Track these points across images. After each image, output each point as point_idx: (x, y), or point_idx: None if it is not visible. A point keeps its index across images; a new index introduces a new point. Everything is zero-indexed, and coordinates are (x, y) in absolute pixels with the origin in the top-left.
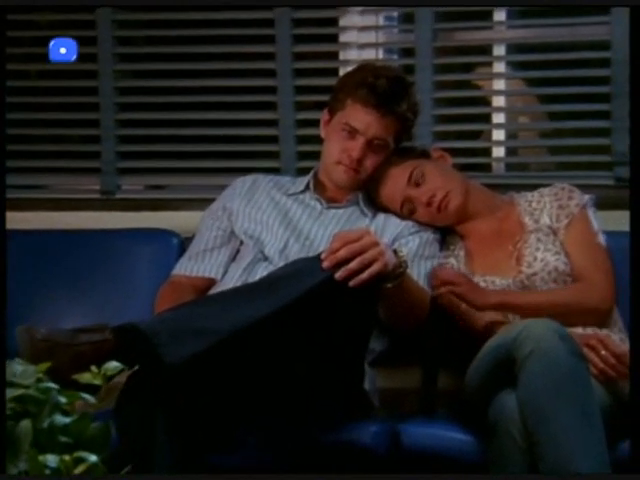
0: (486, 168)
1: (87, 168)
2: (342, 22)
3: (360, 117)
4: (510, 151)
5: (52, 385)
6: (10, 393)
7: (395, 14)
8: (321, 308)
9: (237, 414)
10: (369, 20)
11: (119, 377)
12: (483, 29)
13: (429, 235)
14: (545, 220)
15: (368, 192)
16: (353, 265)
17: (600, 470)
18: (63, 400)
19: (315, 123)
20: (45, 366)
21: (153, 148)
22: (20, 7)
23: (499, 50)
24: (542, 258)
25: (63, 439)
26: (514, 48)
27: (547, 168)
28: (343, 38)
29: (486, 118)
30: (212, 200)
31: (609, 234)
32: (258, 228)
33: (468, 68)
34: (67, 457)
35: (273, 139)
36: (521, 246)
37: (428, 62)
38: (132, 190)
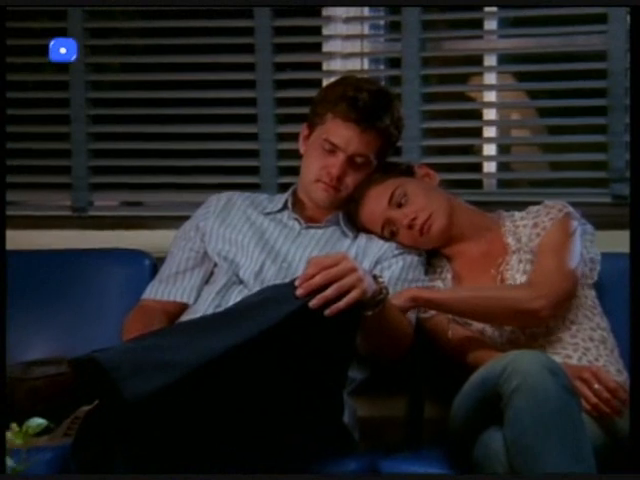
0: (477, 185)
1: (57, 184)
2: (325, 31)
3: (340, 132)
4: (502, 167)
5: None
6: None
7: (382, 22)
8: (295, 338)
9: (205, 450)
10: (354, 29)
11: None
12: (473, 38)
13: (413, 258)
14: (525, 240)
15: (348, 212)
16: (329, 292)
17: None
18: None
19: (297, 137)
20: None
21: (127, 163)
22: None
23: (490, 60)
24: (522, 281)
25: None
26: (506, 58)
27: (541, 185)
28: (327, 47)
29: (477, 132)
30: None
31: (605, 256)
32: (232, 249)
33: (458, 79)
34: None
35: (253, 153)
36: (503, 269)
37: (415, 73)
38: (105, 207)
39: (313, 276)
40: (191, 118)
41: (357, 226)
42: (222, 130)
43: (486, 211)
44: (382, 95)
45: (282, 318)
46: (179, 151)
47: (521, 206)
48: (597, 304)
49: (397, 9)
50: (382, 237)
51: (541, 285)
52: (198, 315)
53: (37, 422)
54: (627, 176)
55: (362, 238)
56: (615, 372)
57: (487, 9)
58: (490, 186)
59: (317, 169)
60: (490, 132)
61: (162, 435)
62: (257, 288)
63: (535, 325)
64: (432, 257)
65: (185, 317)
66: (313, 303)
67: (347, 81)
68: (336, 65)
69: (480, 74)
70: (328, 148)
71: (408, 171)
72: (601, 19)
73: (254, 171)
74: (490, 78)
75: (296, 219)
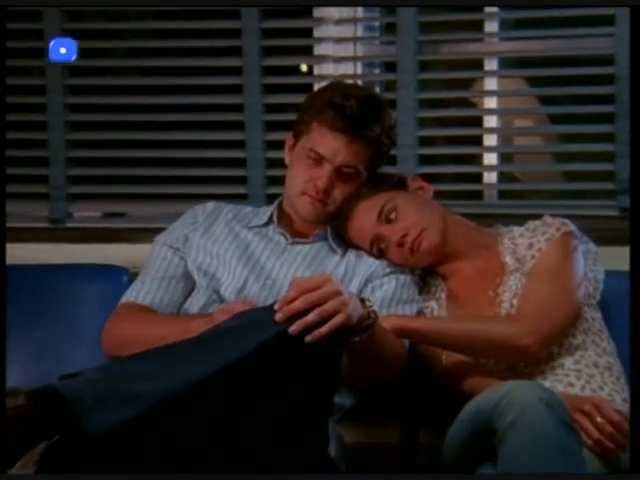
0: (477, 196)
1: (34, 193)
2: (317, 33)
3: (327, 142)
4: (503, 177)
5: None
6: None
7: (376, 24)
8: (274, 365)
9: None
10: (347, 31)
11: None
12: (473, 41)
13: (407, 276)
14: (522, 260)
15: (336, 226)
16: (310, 318)
17: None
18: None
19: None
20: None
21: (108, 172)
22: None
23: (491, 64)
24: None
25: None
26: (508, 62)
27: (544, 196)
28: (318, 51)
29: (477, 140)
30: None
31: (610, 274)
32: (214, 263)
33: (456, 85)
34: None
35: (240, 162)
36: (501, 290)
37: (412, 78)
38: (84, 219)
39: (294, 299)
40: (175, 125)
41: (346, 241)
42: (208, 137)
43: (484, 226)
44: (372, 102)
45: (260, 345)
46: (162, 159)
47: (524, 219)
48: (604, 327)
49: (392, 10)
50: (371, 254)
51: (531, 318)
52: None
53: None
54: None
55: (352, 254)
56: (621, 401)
57: (488, 10)
58: (491, 198)
59: (302, 181)
60: (491, 140)
61: (128, 470)
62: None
63: (524, 361)
64: (426, 275)
65: None
66: (293, 329)
67: (335, 87)
68: (328, 69)
69: (480, 79)
70: (314, 159)
71: (400, 184)
72: (608, 21)
73: (241, 181)
74: (491, 83)
75: (282, 234)
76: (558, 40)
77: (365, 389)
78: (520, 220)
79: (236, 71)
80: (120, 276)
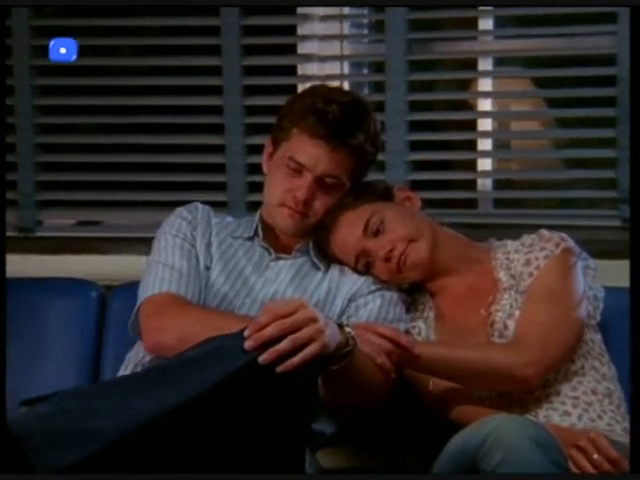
0: (470, 204)
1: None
2: (301, 30)
3: (307, 150)
4: (499, 184)
5: None
6: None
7: (364, 21)
8: (242, 397)
9: None
10: (332, 28)
11: None
12: (466, 40)
13: (393, 294)
14: (518, 277)
15: (318, 240)
16: (282, 346)
17: None
18: None
19: None
20: None
21: (80, 177)
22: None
23: (485, 64)
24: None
25: None
26: (503, 62)
27: (542, 205)
28: (302, 49)
29: (470, 145)
30: (150, 240)
31: (610, 291)
32: (204, 273)
33: (449, 86)
34: None
35: (219, 168)
36: (494, 309)
37: (401, 78)
38: (56, 227)
39: (265, 326)
40: (151, 128)
41: (328, 256)
42: (185, 141)
43: (477, 239)
44: (356, 107)
45: (227, 375)
46: (138, 165)
47: (521, 229)
48: (604, 350)
49: (381, 8)
50: (356, 270)
51: (533, 347)
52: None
53: None
54: None
55: (335, 270)
56: (621, 431)
57: (482, 7)
58: (486, 206)
59: (281, 192)
60: (485, 145)
61: None
62: None
63: (523, 391)
64: (414, 291)
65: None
66: (263, 359)
67: (316, 92)
68: (312, 69)
69: (474, 80)
70: (294, 168)
71: (386, 194)
72: (609, 19)
73: (221, 187)
74: (485, 84)
75: (266, 248)
76: (557, 39)
77: (347, 415)
78: (517, 230)
79: (215, 71)
80: (89, 291)
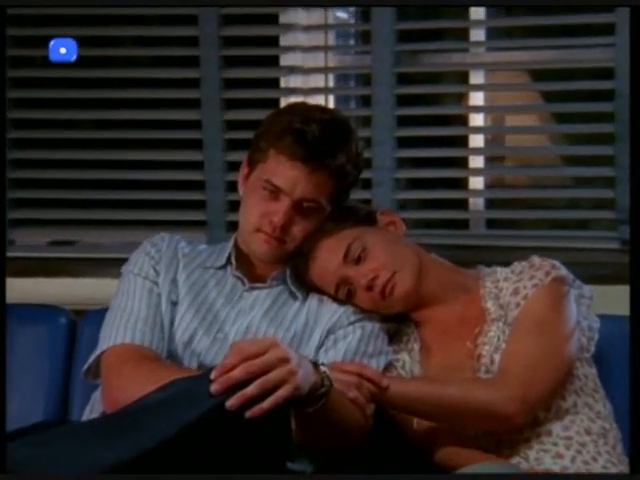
0: (462, 225)
1: None
2: (283, 41)
3: (284, 173)
4: (491, 204)
5: None
6: None
7: (351, 31)
8: (208, 443)
9: None
10: (317, 39)
11: None
12: (457, 51)
13: (374, 325)
14: (506, 307)
15: (295, 268)
16: (251, 390)
17: None
18: None
19: None
20: None
21: (54, 195)
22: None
23: (477, 77)
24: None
25: None
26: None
27: (536, 226)
28: (285, 61)
29: (462, 162)
30: (125, 261)
31: (607, 319)
32: (169, 309)
33: (438, 100)
34: None
35: (198, 185)
36: (480, 342)
37: (389, 92)
38: (29, 247)
39: (233, 367)
40: (127, 143)
41: (307, 284)
42: (163, 158)
43: (470, 260)
44: (336, 127)
45: (192, 422)
46: (114, 181)
47: (514, 252)
48: (599, 386)
49: (367, 17)
50: (336, 299)
51: (515, 381)
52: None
53: None
54: None
55: (314, 300)
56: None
57: (473, 17)
58: (477, 226)
59: (257, 216)
60: (477, 162)
61: None
62: (185, 363)
63: (509, 430)
64: (399, 321)
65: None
66: (230, 403)
67: (294, 110)
68: (296, 82)
69: (465, 94)
70: (270, 191)
71: (368, 218)
72: (607, 30)
73: (200, 205)
74: (477, 98)
75: (239, 278)
76: (552, 51)
77: (325, 455)
78: (510, 253)
79: (193, 83)
80: (58, 317)
